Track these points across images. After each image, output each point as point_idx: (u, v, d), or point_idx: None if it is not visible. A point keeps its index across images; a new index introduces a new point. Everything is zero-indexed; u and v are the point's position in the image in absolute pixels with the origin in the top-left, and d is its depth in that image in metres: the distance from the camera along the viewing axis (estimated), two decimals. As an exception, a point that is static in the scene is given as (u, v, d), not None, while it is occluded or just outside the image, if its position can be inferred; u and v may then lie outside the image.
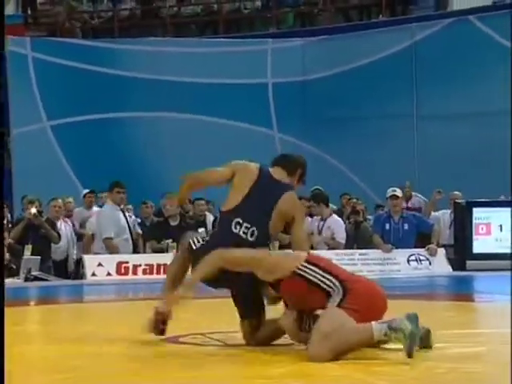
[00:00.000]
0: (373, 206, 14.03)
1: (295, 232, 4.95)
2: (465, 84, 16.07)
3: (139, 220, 12.50)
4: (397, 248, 11.75)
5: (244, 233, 4.82)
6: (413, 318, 4.21)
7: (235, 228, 4.83)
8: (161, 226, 11.91)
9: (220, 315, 6.26)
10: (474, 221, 12.40)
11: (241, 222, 4.83)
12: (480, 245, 12.36)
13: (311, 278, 4.49)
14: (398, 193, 12.14)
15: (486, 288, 10.45)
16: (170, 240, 11.49)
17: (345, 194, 14.03)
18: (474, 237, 12.38)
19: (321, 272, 4.50)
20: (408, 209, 13.01)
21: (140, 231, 11.99)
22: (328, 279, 4.48)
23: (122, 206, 11.44)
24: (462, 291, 9.83)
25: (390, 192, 12.12)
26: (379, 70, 16.58)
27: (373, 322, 4.27)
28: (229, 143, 15.82)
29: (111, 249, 11.20)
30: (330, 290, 4.45)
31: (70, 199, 12.87)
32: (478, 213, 12.45)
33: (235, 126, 16.83)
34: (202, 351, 4.67)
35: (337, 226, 12.01)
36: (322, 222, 11.98)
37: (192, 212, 12.45)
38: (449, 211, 13.12)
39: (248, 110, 16.70)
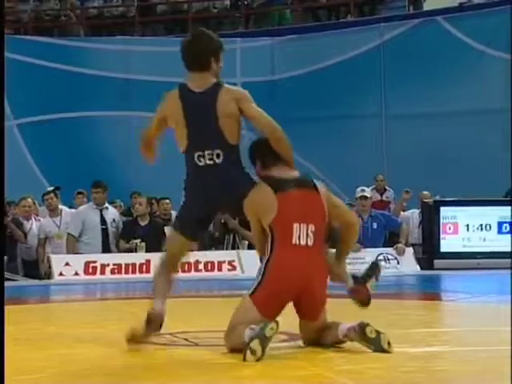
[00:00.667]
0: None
1: (252, 114, 4.71)
2: (432, 84, 16.17)
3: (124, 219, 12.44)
4: (366, 247, 11.81)
5: (210, 159, 4.58)
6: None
7: (200, 161, 4.60)
8: (130, 225, 11.88)
9: (190, 315, 6.26)
10: (441, 220, 12.50)
11: (200, 153, 4.60)
12: (447, 244, 12.47)
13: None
14: (367, 193, 12.23)
15: (452, 287, 10.54)
16: (139, 240, 11.48)
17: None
18: (442, 236, 12.48)
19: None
20: (382, 202, 13.14)
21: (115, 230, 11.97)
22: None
23: (103, 206, 11.49)
24: (429, 290, 9.90)
25: (359, 192, 12.19)
26: (348, 70, 16.64)
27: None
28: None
29: (69, 246, 11.28)
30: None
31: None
32: (446, 212, 12.55)
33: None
34: (170, 351, 4.65)
35: None
36: None
37: (158, 211, 12.44)
38: (417, 210, 13.21)
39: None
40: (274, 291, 4.27)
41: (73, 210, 12.09)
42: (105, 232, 11.49)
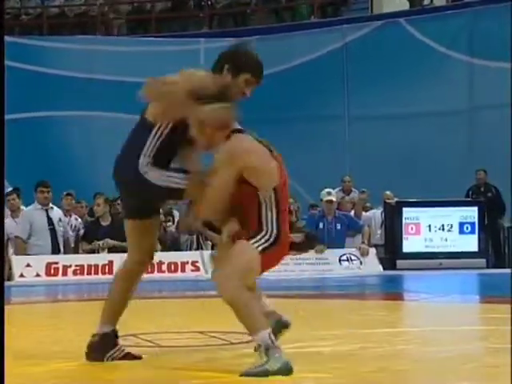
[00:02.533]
0: (306, 206, 14.13)
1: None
2: (395, 86, 16.28)
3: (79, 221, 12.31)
4: (329, 247, 11.86)
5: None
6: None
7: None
8: (92, 226, 11.79)
9: (153, 316, 6.23)
10: (403, 221, 12.59)
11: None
12: (410, 244, 12.55)
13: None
14: (333, 197, 12.34)
15: (415, 287, 10.60)
16: (101, 242, 11.40)
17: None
18: (404, 236, 12.57)
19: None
20: (347, 203, 13.22)
21: (71, 233, 11.83)
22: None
23: (48, 206, 11.34)
24: (391, 290, 9.95)
25: (325, 196, 12.24)
26: (311, 71, 16.69)
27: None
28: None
29: (18, 249, 11.15)
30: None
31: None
32: (408, 213, 12.64)
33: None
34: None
35: None
36: None
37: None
38: (379, 210, 13.29)
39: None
40: (280, 256, 4.13)
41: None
42: (53, 232, 11.35)
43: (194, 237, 11.72)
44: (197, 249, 11.78)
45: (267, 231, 4.00)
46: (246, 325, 3.87)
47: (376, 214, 13.32)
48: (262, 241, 3.98)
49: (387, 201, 13.04)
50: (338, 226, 12.19)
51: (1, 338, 2.90)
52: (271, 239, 3.98)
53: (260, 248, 3.96)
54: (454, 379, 3.75)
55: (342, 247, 12.15)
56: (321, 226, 12.14)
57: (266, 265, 4.03)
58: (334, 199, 12.30)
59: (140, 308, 6.78)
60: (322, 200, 12.37)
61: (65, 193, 12.57)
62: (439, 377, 3.81)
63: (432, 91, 16.00)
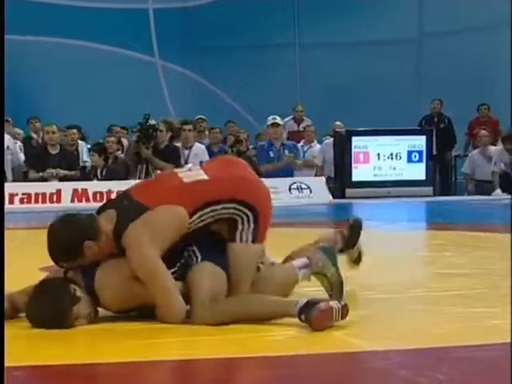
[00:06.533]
0: (254, 135, 14.11)
1: None
2: (347, 13, 16.18)
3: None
4: (278, 176, 11.83)
5: None
6: (330, 253, 3.73)
7: None
8: (39, 154, 11.63)
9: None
10: (353, 149, 12.62)
11: None
12: (359, 173, 12.63)
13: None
14: (279, 120, 12.23)
15: (363, 215, 10.68)
16: (54, 171, 11.31)
17: (230, 122, 14.03)
18: (354, 165, 12.63)
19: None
20: (298, 132, 13.22)
21: (23, 158, 11.71)
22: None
23: None
24: (340, 218, 10.02)
25: (270, 120, 12.17)
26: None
27: (296, 266, 3.67)
28: (109, 69, 15.49)
29: None
30: (237, 218, 3.47)
31: None
32: (357, 141, 12.68)
33: (116, 51, 16.46)
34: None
35: (203, 153, 11.99)
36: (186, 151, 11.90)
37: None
38: (331, 140, 13.28)
39: (129, 36, 16.34)
40: (267, 224, 3.65)
41: None
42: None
43: (144, 165, 11.61)
44: (146, 178, 11.69)
45: (243, 221, 3.47)
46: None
47: (328, 146, 13.19)
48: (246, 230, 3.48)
49: (337, 130, 13.05)
50: (287, 153, 12.16)
51: (1, 337, 2.86)
52: (252, 224, 3.46)
53: (250, 238, 3.47)
54: (403, 304, 3.81)
55: (291, 175, 12.15)
56: (271, 154, 12.11)
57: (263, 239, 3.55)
58: (280, 123, 12.17)
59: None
60: (268, 126, 12.22)
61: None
62: (390, 302, 3.86)
63: (384, 19, 15.93)
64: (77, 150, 12.14)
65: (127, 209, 3.39)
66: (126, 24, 16.38)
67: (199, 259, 3.43)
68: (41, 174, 11.40)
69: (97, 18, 16.24)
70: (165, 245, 3.34)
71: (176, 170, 3.63)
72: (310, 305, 3.22)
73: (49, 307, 3.29)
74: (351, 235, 4.04)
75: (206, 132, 13.19)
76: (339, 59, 16.28)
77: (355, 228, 4.07)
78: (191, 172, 3.54)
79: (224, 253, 3.47)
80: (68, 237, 3.36)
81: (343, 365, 2.84)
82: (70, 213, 3.64)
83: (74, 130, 12.21)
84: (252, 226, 3.47)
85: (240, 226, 3.46)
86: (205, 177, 3.46)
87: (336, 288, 3.67)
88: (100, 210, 3.49)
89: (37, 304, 3.33)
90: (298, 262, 3.71)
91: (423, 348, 2.98)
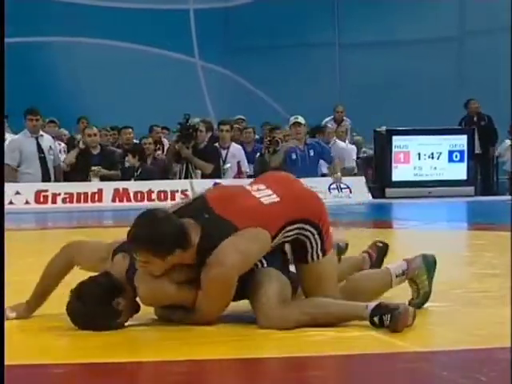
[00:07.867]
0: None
1: None
2: (387, 12, 16.13)
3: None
4: (301, 177, 11.57)
5: None
6: (430, 262, 3.74)
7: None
8: (83, 155, 11.75)
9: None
10: (393, 149, 12.57)
11: None
12: (399, 173, 12.57)
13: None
14: (301, 120, 11.89)
15: (403, 215, 10.65)
16: (95, 168, 11.44)
17: (266, 124, 14.03)
18: (394, 165, 12.58)
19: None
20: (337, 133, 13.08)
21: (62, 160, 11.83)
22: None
23: (38, 134, 11.27)
24: (380, 218, 9.99)
25: (292, 120, 11.89)
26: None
27: (393, 273, 3.69)
28: (149, 70, 15.60)
29: (7, 176, 11.10)
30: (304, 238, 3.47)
31: None
32: (398, 141, 12.62)
33: (156, 52, 16.57)
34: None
35: (239, 153, 11.97)
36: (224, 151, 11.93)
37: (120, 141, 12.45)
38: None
39: (169, 37, 16.45)
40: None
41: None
42: (43, 160, 11.28)
43: (184, 165, 11.69)
44: (186, 177, 11.76)
45: (310, 241, 3.51)
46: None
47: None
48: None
49: (377, 129, 13.00)
50: (312, 153, 11.80)
51: (1, 336, 2.91)
52: (318, 242, 3.50)
53: (321, 255, 3.50)
54: (444, 305, 3.80)
55: (316, 175, 11.88)
56: (293, 156, 11.78)
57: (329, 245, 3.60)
58: (302, 122, 11.83)
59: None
60: (290, 126, 11.91)
61: (47, 120, 12.49)
62: (431, 303, 3.85)
63: (423, 18, 15.84)
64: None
65: (212, 224, 3.33)
66: (167, 25, 16.49)
67: (265, 265, 3.45)
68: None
69: (138, 19, 16.36)
70: (246, 269, 3.35)
71: (248, 188, 3.54)
72: (384, 307, 3.24)
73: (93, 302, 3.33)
74: (378, 257, 4.10)
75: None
76: (379, 59, 16.21)
77: (382, 251, 4.12)
78: (263, 192, 3.49)
79: (286, 267, 3.50)
80: (172, 231, 3.26)
81: (385, 365, 2.84)
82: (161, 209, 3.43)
83: (130, 130, 12.31)
84: (319, 242, 3.49)
85: (309, 248, 3.49)
86: (277, 199, 3.46)
87: (422, 298, 3.72)
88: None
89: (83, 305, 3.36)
90: (396, 266, 3.74)
91: (465, 349, 2.98)
